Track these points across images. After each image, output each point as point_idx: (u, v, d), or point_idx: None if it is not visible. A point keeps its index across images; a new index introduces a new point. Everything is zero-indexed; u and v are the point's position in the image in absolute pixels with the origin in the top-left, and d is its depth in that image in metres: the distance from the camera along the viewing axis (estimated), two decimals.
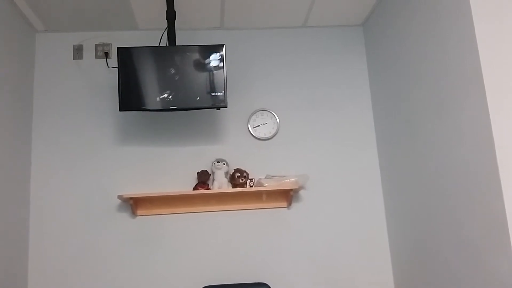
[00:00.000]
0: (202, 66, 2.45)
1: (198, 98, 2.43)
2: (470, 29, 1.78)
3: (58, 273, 2.60)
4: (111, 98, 2.80)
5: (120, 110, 2.41)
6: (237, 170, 2.68)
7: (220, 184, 2.63)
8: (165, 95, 2.41)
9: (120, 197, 2.56)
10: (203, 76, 2.45)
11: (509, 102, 1.70)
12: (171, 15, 2.54)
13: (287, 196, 2.72)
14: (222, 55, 2.47)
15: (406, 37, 2.38)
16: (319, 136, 2.86)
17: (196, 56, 2.45)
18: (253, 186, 2.68)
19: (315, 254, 2.72)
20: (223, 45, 2.48)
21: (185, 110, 2.45)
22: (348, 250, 2.74)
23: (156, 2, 2.58)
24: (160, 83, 2.42)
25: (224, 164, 2.67)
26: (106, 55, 2.84)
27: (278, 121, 2.85)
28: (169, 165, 2.76)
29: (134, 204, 2.62)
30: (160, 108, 2.42)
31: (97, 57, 2.85)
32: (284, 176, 2.67)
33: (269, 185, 2.61)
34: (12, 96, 2.50)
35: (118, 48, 2.44)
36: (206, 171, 2.69)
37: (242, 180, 2.65)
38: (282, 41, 2.96)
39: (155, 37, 2.81)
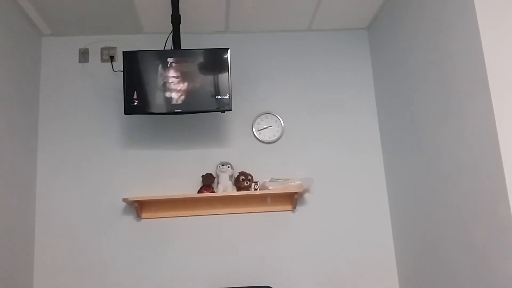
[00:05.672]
0: (207, 69, 2.46)
1: (203, 102, 2.44)
2: (475, 32, 1.78)
3: (64, 276, 2.61)
4: (116, 102, 2.81)
5: (125, 114, 2.42)
6: (241, 173, 2.68)
7: (224, 187, 2.63)
8: (170, 99, 2.42)
9: (125, 200, 2.56)
10: (208, 80, 2.45)
11: None
12: (176, 19, 2.55)
13: (292, 199, 2.72)
14: (227, 59, 2.47)
15: (411, 41, 2.38)
16: (324, 139, 2.86)
17: (201, 59, 2.46)
18: (258, 189, 2.68)
19: (320, 257, 2.71)
20: (228, 48, 2.49)
21: (190, 113, 2.45)
22: (353, 253, 2.73)
23: (161, 6, 2.59)
24: (165, 87, 2.43)
25: (228, 167, 2.68)
26: (112, 58, 2.85)
27: (282, 124, 2.85)
28: (174, 168, 2.76)
29: (139, 207, 2.63)
30: (165, 112, 2.43)
31: (102, 60, 2.87)
32: (288, 179, 2.67)
33: (273, 188, 2.61)
34: (18, 99, 2.51)
35: (123, 51, 2.46)
36: (210, 174, 2.69)
37: (246, 183, 2.65)
38: (286, 44, 2.97)
39: (160, 41, 2.82)
